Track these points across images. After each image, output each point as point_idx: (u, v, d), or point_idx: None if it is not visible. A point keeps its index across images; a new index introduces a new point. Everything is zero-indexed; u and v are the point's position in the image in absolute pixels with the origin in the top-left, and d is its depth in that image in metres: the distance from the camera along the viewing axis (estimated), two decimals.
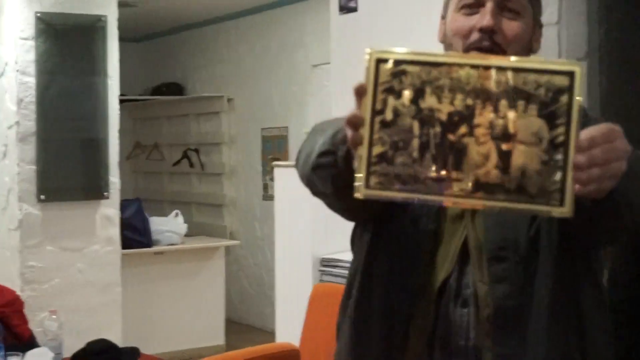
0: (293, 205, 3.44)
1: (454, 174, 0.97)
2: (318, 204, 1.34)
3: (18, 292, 3.80)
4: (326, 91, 5.28)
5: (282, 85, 6.35)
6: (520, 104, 0.96)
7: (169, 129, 7.58)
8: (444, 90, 0.98)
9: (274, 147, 6.48)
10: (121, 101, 4.72)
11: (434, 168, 0.97)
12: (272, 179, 4.37)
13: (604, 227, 1.13)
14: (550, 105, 0.95)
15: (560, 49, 2.30)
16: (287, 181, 3.54)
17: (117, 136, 4.60)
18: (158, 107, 7.53)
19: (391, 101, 0.98)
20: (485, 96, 0.97)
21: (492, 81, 0.97)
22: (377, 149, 0.98)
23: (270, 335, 4.87)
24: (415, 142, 0.98)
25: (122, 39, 4.70)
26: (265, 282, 6.44)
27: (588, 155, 0.94)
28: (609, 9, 2.27)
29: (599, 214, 1.06)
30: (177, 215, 5.74)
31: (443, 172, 0.97)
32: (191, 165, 7.24)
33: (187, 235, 5.78)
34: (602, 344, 1.25)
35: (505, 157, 0.96)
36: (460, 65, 0.98)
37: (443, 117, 0.98)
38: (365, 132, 0.98)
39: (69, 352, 3.00)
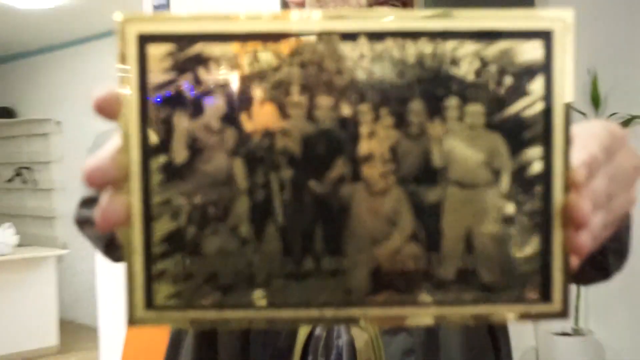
0: None
1: (329, 263, 0.44)
2: None
3: None
4: None
5: None
6: (452, 105, 0.43)
7: (2, 149, 8.00)
8: (292, 90, 0.43)
9: None
10: None
11: (285, 255, 0.44)
12: None
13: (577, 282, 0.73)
14: (508, 102, 0.43)
15: None
16: None
17: None
18: None
19: (182, 122, 0.43)
20: (377, 95, 0.43)
21: (389, 63, 0.43)
22: (162, 227, 0.43)
23: None
24: (243, 204, 0.43)
25: None
26: (96, 286, 6.71)
27: (590, 193, 0.45)
28: None
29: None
30: (8, 227, 5.90)
31: (307, 262, 0.44)
32: (24, 182, 7.68)
33: (20, 245, 5.97)
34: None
35: (429, 218, 0.44)
36: (316, 36, 0.42)
37: (295, 146, 0.43)
38: (133, 195, 0.43)
39: None
